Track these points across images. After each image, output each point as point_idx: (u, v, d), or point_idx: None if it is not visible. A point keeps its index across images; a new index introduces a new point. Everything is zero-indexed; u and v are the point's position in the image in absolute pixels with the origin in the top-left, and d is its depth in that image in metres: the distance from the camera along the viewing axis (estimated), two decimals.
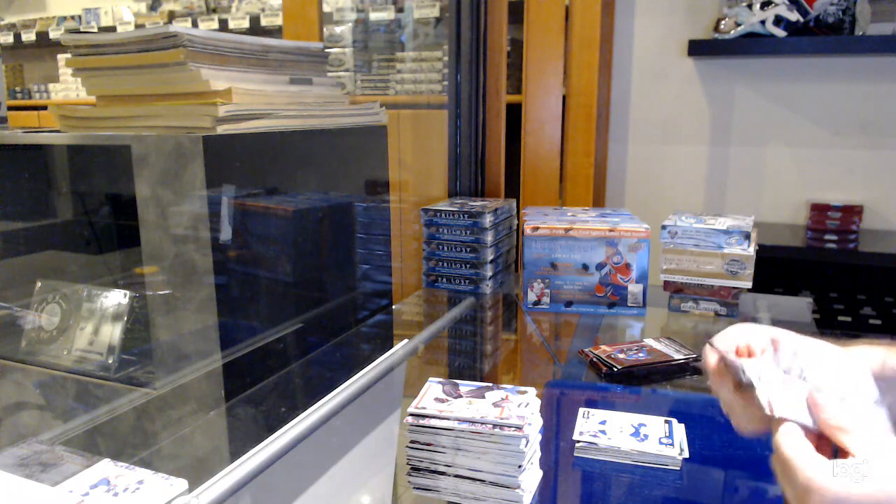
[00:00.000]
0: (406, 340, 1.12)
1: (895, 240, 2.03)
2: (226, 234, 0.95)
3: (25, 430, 1.05)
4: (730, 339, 0.57)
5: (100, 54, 1.03)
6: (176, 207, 0.93)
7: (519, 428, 0.69)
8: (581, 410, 0.90)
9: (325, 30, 2.64)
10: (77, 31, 1.33)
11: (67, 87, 3.81)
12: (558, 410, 0.98)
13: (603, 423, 0.87)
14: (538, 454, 0.76)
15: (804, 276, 2.14)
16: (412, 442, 0.73)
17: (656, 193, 2.37)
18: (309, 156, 1.16)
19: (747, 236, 1.28)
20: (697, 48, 2.10)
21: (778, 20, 1.95)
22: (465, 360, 1.23)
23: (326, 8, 2.75)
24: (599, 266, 1.34)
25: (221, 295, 0.94)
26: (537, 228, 1.35)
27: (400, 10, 2.69)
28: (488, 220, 1.44)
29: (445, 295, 1.49)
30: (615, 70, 2.35)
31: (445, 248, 1.48)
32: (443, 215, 1.47)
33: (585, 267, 1.35)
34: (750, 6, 1.99)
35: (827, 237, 2.06)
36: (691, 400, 1.01)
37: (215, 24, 3.29)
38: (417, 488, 0.74)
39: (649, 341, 1.16)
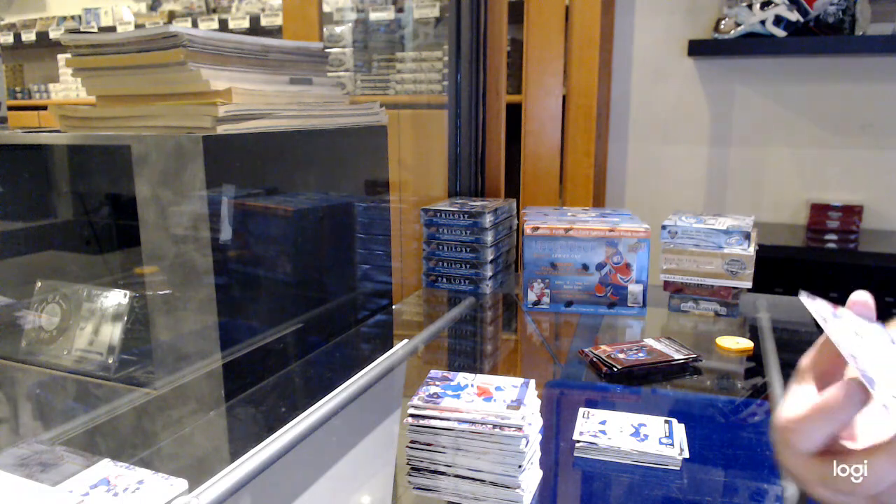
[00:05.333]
0: (406, 340, 1.12)
1: (895, 240, 2.03)
2: (226, 234, 0.95)
3: (25, 430, 1.05)
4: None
5: (100, 54, 1.03)
6: (176, 207, 0.93)
7: (519, 428, 0.69)
8: (581, 410, 0.90)
9: (325, 30, 2.64)
10: (77, 31, 1.33)
11: (67, 87, 3.81)
12: (558, 410, 0.98)
13: (603, 423, 0.87)
14: (538, 454, 0.76)
15: (804, 276, 2.14)
16: (412, 442, 0.73)
17: (656, 193, 2.37)
18: (309, 156, 1.16)
19: (747, 236, 1.28)
20: (697, 48, 2.10)
21: (778, 20, 1.95)
22: (465, 360, 1.23)
23: (326, 8, 2.75)
24: (599, 266, 1.34)
25: (221, 295, 0.94)
26: (537, 228, 1.35)
27: (400, 10, 2.69)
28: (488, 220, 1.44)
29: (445, 295, 1.49)
30: (615, 70, 2.35)
31: (445, 248, 1.48)
32: (443, 215, 1.47)
33: (585, 267, 1.35)
34: (750, 6, 1.99)
35: (827, 237, 2.06)
36: (691, 400, 1.01)
37: (215, 24, 3.29)
38: (417, 488, 0.74)
39: (649, 341, 1.16)
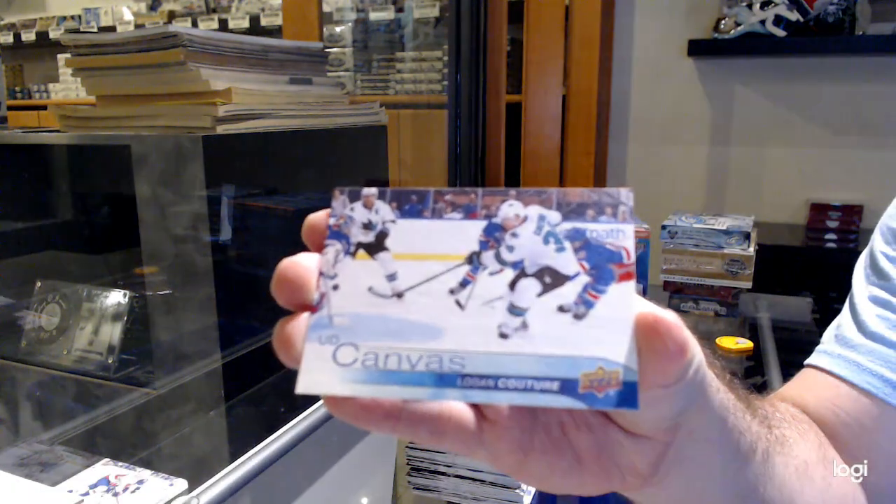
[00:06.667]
0: None
1: None
2: (226, 234, 0.95)
3: (25, 430, 1.05)
4: None
5: (100, 54, 1.03)
6: (176, 207, 0.93)
7: None
8: None
9: (325, 30, 2.64)
10: (77, 31, 1.33)
11: (67, 87, 3.81)
12: None
13: None
14: None
15: (804, 276, 2.14)
16: (412, 442, 0.73)
17: (656, 193, 2.37)
18: (309, 156, 1.16)
19: (747, 236, 1.28)
20: (697, 48, 2.10)
21: (778, 20, 1.95)
22: None
23: (326, 8, 2.75)
24: None
25: (221, 295, 0.94)
26: None
27: (400, 10, 2.69)
28: None
29: None
30: (615, 70, 2.35)
31: None
32: None
33: None
34: (750, 6, 1.99)
35: (827, 237, 2.06)
36: None
37: (215, 24, 3.29)
38: (417, 488, 0.74)
39: None
